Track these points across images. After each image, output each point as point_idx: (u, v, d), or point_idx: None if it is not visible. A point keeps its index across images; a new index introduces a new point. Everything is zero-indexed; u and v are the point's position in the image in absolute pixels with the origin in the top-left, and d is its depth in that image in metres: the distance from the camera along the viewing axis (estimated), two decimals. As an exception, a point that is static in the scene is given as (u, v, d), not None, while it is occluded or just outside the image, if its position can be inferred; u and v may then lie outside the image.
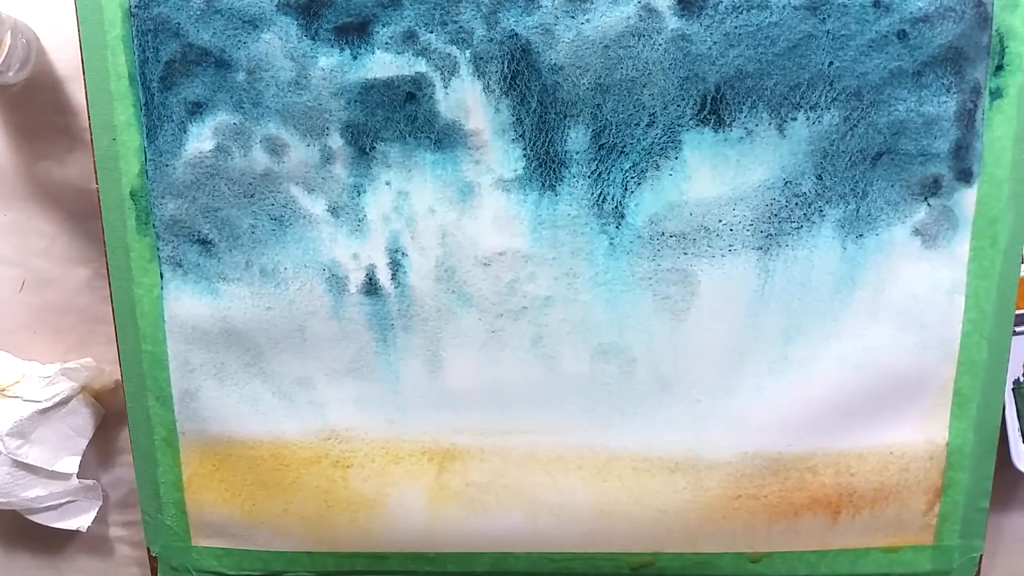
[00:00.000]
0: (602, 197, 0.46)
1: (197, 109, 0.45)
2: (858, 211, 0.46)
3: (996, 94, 0.44)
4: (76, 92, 0.50)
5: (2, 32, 0.46)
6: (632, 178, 0.45)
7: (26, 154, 0.51)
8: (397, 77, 0.44)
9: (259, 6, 0.44)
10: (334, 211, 0.47)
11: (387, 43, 0.44)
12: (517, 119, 0.45)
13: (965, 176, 0.45)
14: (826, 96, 0.44)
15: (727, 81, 0.44)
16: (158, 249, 0.48)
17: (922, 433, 0.49)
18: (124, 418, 0.51)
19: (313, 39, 0.44)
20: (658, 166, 0.45)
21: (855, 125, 0.44)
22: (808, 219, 0.46)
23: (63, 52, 0.49)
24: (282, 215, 0.47)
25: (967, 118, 0.44)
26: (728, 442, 0.49)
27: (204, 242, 0.47)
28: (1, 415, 0.50)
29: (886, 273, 0.46)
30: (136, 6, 0.44)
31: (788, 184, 0.45)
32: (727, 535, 0.50)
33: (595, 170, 0.45)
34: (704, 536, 0.51)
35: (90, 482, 0.55)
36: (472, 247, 0.47)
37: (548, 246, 0.46)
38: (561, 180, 0.46)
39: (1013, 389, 0.50)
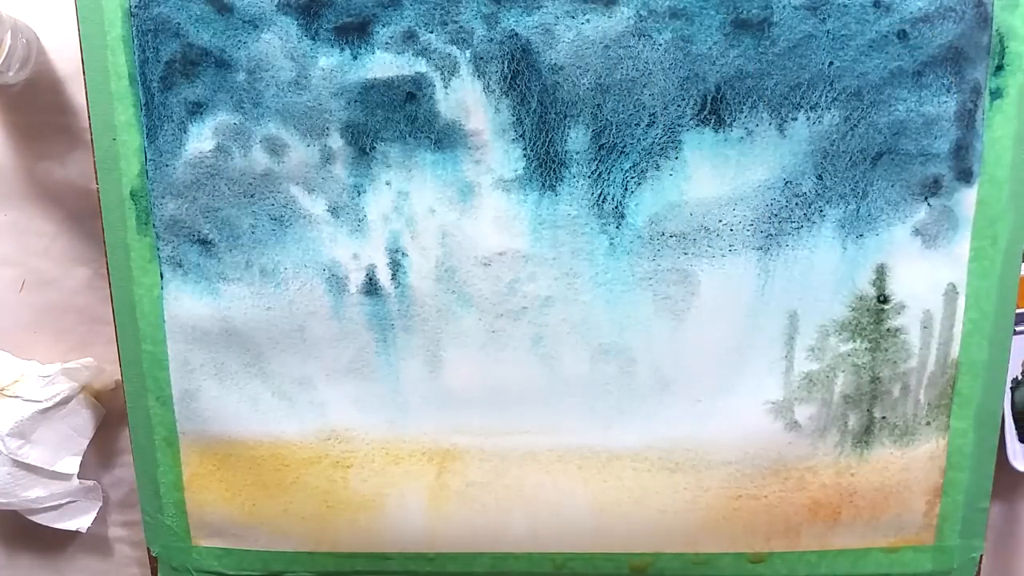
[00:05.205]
0: (602, 197, 0.46)
1: (197, 109, 0.45)
2: (858, 211, 0.46)
3: (996, 94, 0.44)
4: (76, 92, 0.50)
5: (2, 32, 0.46)
6: (632, 178, 0.45)
7: (26, 154, 0.51)
8: (397, 77, 0.44)
9: (259, 6, 0.44)
10: (334, 211, 0.47)
11: (387, 43, 0.44)
12: (517, 119, 0.45)
13: (965, 176, 0.45)
14: (826, 96, 0.44)
15: (727, 81, 0.44)
16: (158, 249, 0.48)
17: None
18: (124, 418, 0.51)
19: (313, 39, 0.44)
20: (658, 166, 0.45)
21: (855, 125, 0.44)
22: (808, 219, 0.46)
23: (63, 52, 0.49)
24: (282, 215, 0.47)
25: (967, 118, 0.44)
26: (728, 442, 0.49)
27: (204, 242, 0.47)
28: (1, 415, 0.50)
29: (886, 273, 0.46)
30: (136, 6, 0.44)
31: (788, 184, 0.45)
32: (727, 535, 0.50)
33: (595, 170, 0.45)
34: (704, 536, 0.51)
35: (90, 483, 0.55)
36: (472, 247, 0.47)
37: (548, 246, 0.46)
38: (561, 180, 0.46)
39: (1012, 388, 0.50)
